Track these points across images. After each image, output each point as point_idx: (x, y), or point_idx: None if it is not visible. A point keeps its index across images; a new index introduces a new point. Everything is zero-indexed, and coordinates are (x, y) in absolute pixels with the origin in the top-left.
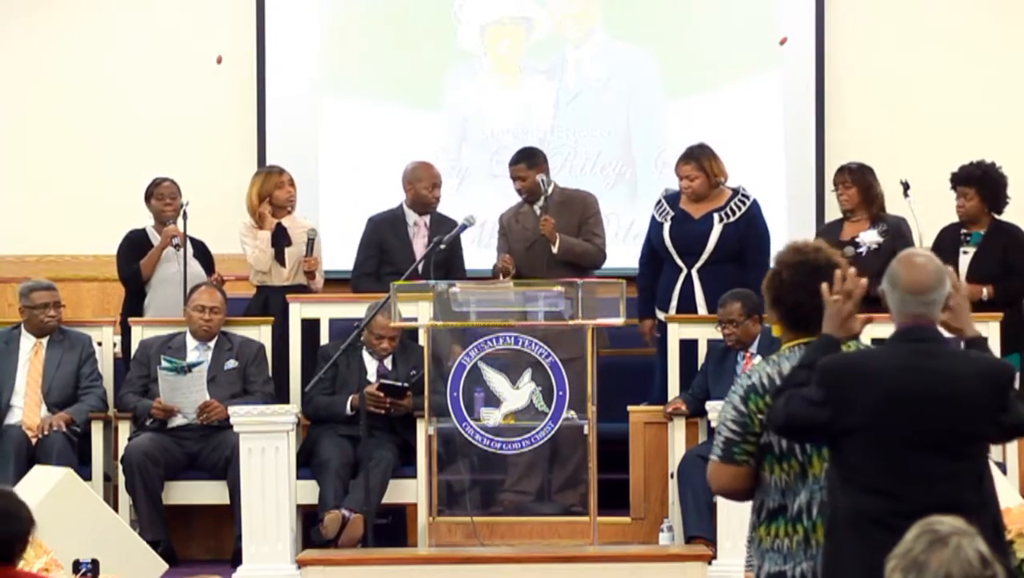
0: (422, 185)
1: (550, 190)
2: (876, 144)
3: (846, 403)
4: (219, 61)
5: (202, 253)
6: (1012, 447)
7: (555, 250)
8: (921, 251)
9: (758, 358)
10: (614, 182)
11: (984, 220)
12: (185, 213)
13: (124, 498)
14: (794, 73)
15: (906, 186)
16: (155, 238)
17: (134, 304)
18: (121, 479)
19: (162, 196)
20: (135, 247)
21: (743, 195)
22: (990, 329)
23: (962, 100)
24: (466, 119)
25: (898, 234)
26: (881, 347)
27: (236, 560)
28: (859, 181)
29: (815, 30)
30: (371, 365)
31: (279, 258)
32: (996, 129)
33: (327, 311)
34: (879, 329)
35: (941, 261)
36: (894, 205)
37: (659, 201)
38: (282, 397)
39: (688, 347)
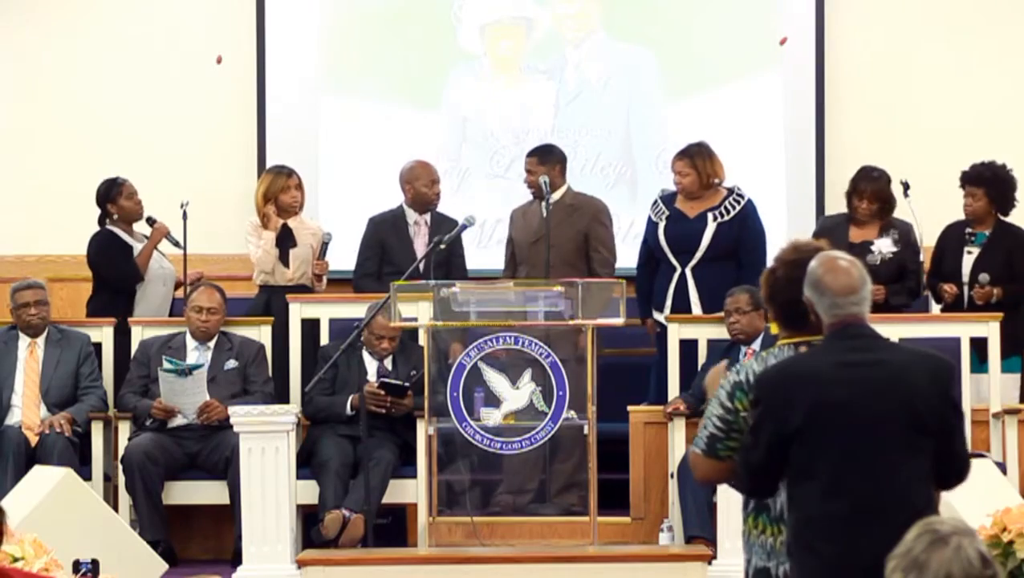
0: (421, 183)
1: (559, 194)
2: (876, 144)
3: (786, 408)
4: (219, 61)
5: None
6: (1012, 447)
7: None
8: (839, 254)
9: None
10: (614, 182)
11: (989, 220)
12: (185, 213)
13: (124, 498)
14: (794, 73)
15: (906, 186)
16: (127, 238)
17: (121, 304)
18: (121, 479)
19: (131, 194)
20: (115, 248)
21: (738, 194)
22: (990, 329)
23: (962, 100)
24: (466, 119)
25: (907, 242)
26: (815, 348)
27: (236, 560)
28: (880, 195)
29: (815, 30)
30: (371, 365)
31: (283, 259)
32: (996, 129)
33: (327, 311)
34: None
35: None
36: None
37: (655, 201)
38: (282, 397)
39: (688, 347)
